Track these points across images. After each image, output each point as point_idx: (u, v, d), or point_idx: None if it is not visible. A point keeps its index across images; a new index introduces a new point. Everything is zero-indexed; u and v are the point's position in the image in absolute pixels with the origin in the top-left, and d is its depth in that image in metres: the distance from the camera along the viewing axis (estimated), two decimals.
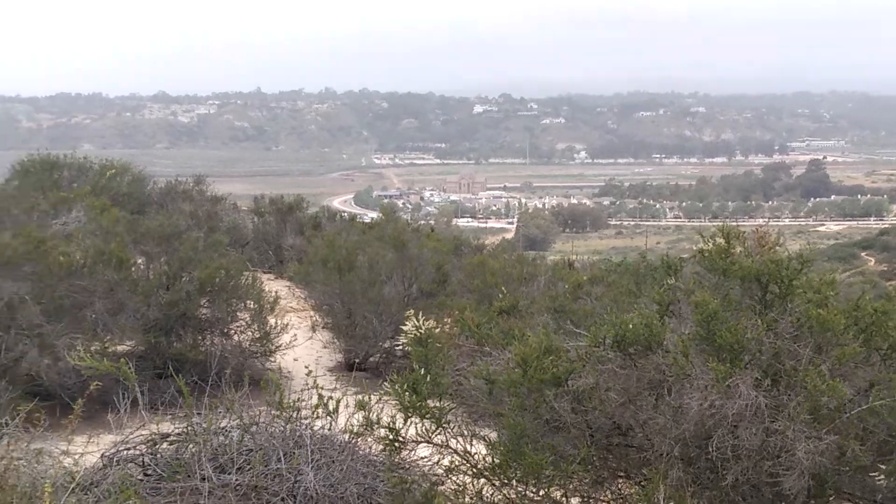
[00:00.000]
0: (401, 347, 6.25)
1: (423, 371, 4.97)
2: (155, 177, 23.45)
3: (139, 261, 11.38)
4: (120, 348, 9.93)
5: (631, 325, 4.78)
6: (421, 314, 5.37)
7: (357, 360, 12.03)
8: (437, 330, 5.36)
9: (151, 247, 11.52)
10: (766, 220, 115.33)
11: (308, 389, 5.99)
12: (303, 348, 11.97)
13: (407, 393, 4.87)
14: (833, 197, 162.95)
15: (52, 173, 19.00)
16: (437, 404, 5.11)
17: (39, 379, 8.84)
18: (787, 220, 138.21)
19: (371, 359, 12.21)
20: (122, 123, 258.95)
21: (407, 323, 5.29)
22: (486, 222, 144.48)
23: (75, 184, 17.95)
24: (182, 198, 20.75)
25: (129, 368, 5.71)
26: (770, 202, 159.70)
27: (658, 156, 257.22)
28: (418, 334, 5.20)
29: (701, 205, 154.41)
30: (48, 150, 21.44)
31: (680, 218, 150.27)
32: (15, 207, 12.63)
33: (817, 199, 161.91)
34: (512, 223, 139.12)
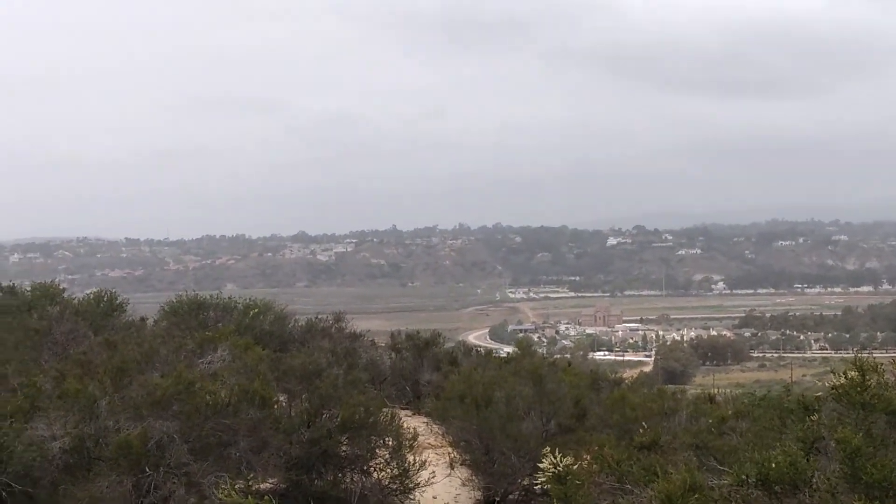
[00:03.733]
0: (539, 486, 6.15)
1: None
2: (295, 315, 23.93)
3: (281, 398, 11.60)
4: (263, 486, 10.08)
5: (774, 464, 4.68)
6: (558, 450, 5.33)
7: (496, 498, 11.93)
8: (576, 466, 5.31)
9: (293, 384, 11.74)
10: None
11: None
12: (441, 485, 11.94)
13: None
14: None
15: (198, 313, 19.62)
16: None
17: None
18: None
19: (510, 496, 12.09)
20: (264, 263, 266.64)
21: (544, 460, 5.26)
22: (623, 355, 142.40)
23: (220, 323, 18.48)
24: (322, 335, 21.13)
25: None
26: None
27: (800, 286, 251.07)
28: (557, 471, 5.15)
29: (848, 335, 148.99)
30: (194, 291, 22.20)
31: (826, 349, 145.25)
32: (164, 348, 13.04)
33: None
34: (650, 356, 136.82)
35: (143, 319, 19.74)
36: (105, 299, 18.93)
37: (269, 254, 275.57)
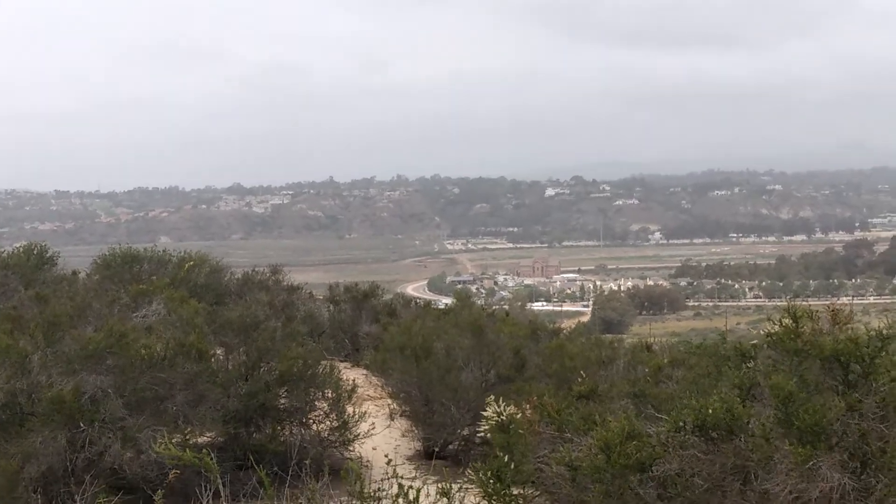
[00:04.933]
0: (481, 434, 6.12)
1: (505, 458, 4.92)
2: (231, 267, 23.70)
3: (218, 352, 11.48)
4: (201, 440, 10.00)
5: (711, 410, 4.71)
6: (501, 400, 5.33)
7: (436, 449, 11.96)
8: (518, 416, 5.31)
9: (230, 338, 11.62)
10: (850, 298, 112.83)
11: (388, 479, 5.95)
12: (381, 437, 11.94)
13: (490, 480, 4.82)
14: None
15: (132, 266, 19.29)
16: (521, 492, 5.05)
17: (122, 472, 8.92)
18: (871, 297, 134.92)
19: (450, 446, 12.13)
20: (198, 216, 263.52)
21: (487, 408, 5.24)
22: (562, 306, 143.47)
23: (154, 276, 18.21)
24: (259, 288, 20.96)
25: (211, 459, 5.75)
26: (853, 280, 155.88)
27: (735, 235, 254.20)
28: (499, 420, 5.15)
29: (781, 284, 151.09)
30: (127, 244, 21.84)
31: (760, 298, 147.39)
32: (97, 301, 12.83)
33: None
34: (587, 306, 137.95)
35: (74, 273, 19.41)
36: (35, 252, 18.57)
37: (204, 206, 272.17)
